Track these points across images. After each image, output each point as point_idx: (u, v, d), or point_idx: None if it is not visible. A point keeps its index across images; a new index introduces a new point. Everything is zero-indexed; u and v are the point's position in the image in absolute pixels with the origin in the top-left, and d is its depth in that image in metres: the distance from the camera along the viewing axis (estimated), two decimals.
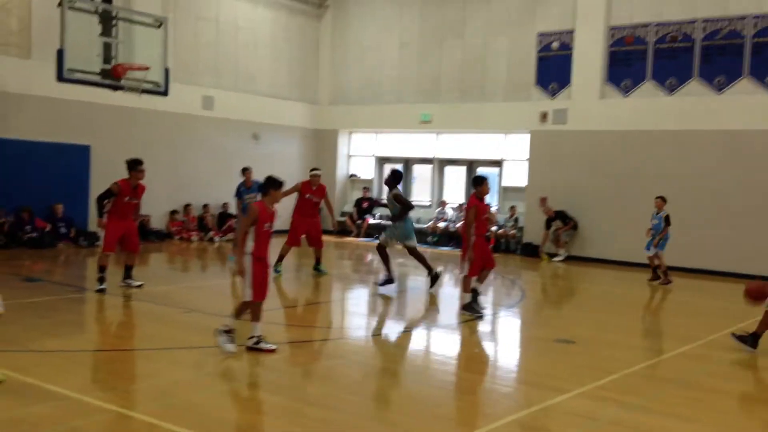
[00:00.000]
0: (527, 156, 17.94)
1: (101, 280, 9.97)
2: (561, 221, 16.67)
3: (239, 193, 13.41)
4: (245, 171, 13.59)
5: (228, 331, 6.89)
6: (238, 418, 5.34)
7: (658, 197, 13.44)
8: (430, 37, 19.55)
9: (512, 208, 18.18)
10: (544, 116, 17.45)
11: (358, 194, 21.13)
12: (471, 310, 9.41)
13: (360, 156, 21.65)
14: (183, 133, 17.71)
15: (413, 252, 11.47)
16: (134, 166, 10.12)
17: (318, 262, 12.55)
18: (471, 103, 18.77)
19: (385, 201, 12.59)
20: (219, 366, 6.81)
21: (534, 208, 17.45)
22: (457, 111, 18.99)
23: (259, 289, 6.91)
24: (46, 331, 7.91)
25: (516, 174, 18.64)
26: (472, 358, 7.95)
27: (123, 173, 10.25)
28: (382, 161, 21.44)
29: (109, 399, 5.50)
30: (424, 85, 19.68)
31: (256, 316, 6.99)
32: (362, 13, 20.73)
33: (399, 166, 18.37)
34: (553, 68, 17.40)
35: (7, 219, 14.28)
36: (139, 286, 10.34)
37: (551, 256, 16.68)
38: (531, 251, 17.22)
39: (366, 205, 20.53)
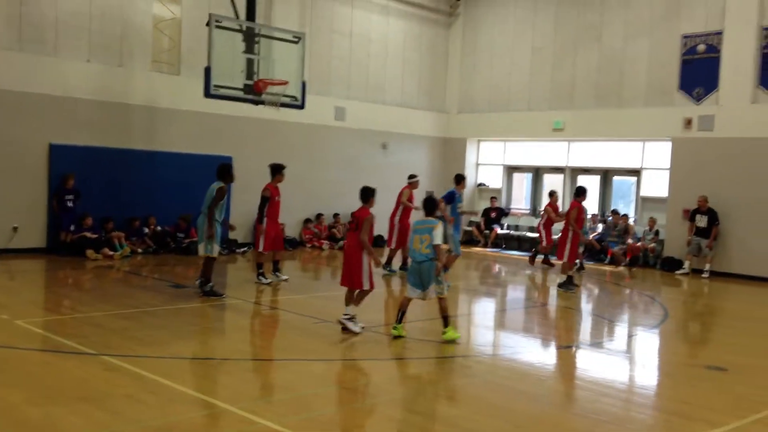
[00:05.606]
0: (668, 165, 17.00)
1: (263, 275, 11.48)
2: (709, 220, 15.65)
3: (453, 199, 13.23)
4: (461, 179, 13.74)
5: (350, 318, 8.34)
6: None
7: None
8: (565, 40, 18.99)
9: (651, 219, 17.26)
10: (688, 123, 16.48)
11: (485, 204, 20.86)
12: (568, 287, 12.30)
13: (488, 165, 21.39)
14: (316, 144, 18.19)
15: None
16: (279, 169, 11.45)
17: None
18: (607, 109, 18.05)
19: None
20: (354, 380, 6.88)
21: (676, 221, 16.48)
22: (591, 117, 18.32)
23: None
24: (192, 337, 8.31)
25: (655, 184, 17.72)
26: (615, 383, 7.55)
27: (261, 183, 10.68)
28: (510, 170, 21.07)
29: (252, 409, 5.65)
30: (556, 91, 19.14)
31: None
32: (494, 18, 20.45)
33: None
34: (699, 72, 16.38)
35: (155, 228, 15.20)
36: (285, 280, 11.71)
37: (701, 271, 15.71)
38: (672, 266, 16.27)
39: (494, 215, 20.24)
